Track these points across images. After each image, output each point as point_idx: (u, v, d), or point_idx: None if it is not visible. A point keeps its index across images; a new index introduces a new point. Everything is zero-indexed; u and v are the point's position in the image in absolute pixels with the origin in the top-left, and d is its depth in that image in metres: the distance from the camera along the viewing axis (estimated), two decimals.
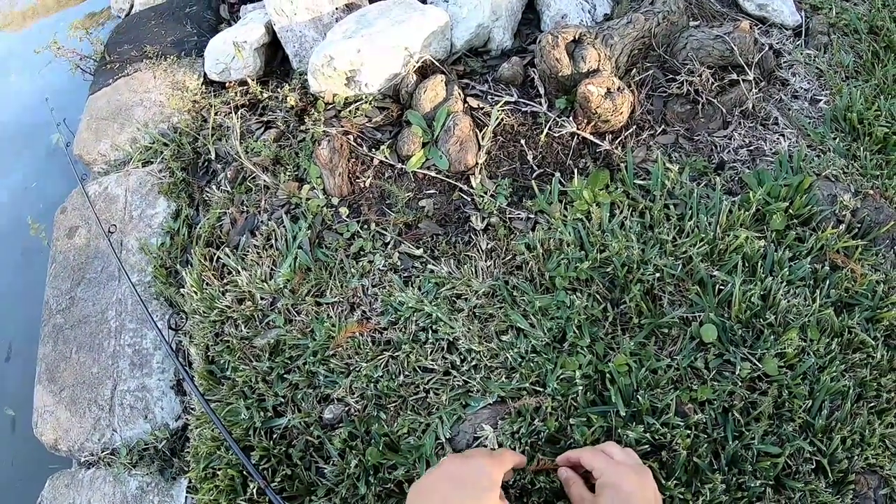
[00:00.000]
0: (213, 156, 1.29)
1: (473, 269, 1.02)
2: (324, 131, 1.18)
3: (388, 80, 1.25)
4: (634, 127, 1.16)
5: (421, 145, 1.18)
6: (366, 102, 1.24)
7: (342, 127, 1.21)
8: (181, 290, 1.19)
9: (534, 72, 1.24)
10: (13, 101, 2.26)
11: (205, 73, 1.49)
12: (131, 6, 2.07)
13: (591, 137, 1.14)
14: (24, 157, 2.06)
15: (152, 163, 1.37)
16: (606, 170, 1.10)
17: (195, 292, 1.14)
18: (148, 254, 1.28)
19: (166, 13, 1.87)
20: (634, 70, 1.23)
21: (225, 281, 1.13)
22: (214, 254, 1.17)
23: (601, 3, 1.39)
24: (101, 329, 1.26)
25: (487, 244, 1.05)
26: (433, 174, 1.16)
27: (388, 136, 1.23)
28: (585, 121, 1.14)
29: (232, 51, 1.39)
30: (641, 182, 1.08)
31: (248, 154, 1.21)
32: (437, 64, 1.27)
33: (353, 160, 1.19)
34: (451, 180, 1.15)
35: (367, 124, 1.23)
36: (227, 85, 1.42)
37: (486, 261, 1.03)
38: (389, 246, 1.09)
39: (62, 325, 1.30)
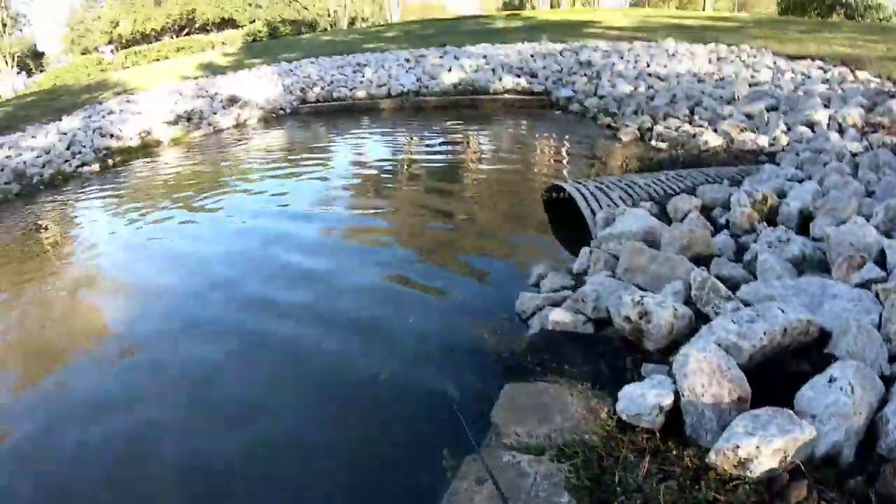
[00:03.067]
0: (616, 479, 1.71)
1: None
2: (714, 497, 1.53)
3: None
4: None
5: None
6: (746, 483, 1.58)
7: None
8: None
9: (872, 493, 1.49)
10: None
11: (615, 410, 1.98)
12: None
13: None
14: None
15: (563, 462, 1.83)
16: None
17: None
18: None
19: (580, 342, 2.48)
20: None
21: None
22: None
23: None
24: None
25: None
26: None
27: None
28: None
29: (643, 402, 1.86)
30: None
31: (650, 491, 1.60)
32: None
33: None
34: None
35: None
36: (636, 428, 1.87)
37: None
38: None
39: None
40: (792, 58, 10.94)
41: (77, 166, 9.89)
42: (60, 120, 13.72)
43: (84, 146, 10.89)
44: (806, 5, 25.84)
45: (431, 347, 3.01)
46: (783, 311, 2.04)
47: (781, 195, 3.67)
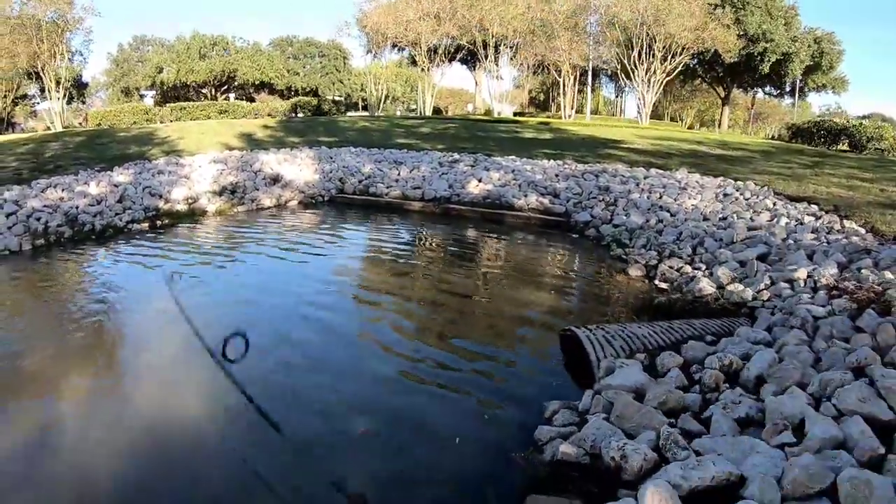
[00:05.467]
0: None
1: None
2: None
3: None
4: None
5: None
6: None
7: None
8: None
9: None
10: None
11: None
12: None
13: None
14: None
15: None
16: None
17: None
18: None
19: (580, 469, 3.51)
20: None
21: None
22: None
23: None
24: None
25: None
26: None
27: None
28: None
29: None
30: None
31: None
32: None
33: None
34: None
35: None
36: None
37: None
38: None
39: None
40: (791, 199, 12.20)
41: (128, 222, 11.02)
42: (112, 170, 14.99)
43: (134, 202, 12.04)
44: (813, 133, 27.56)
45: (466, 464, 4.04)
46: (714, 465, 3.10)
47: (746, 358, 4.71)
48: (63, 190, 12.37)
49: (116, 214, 11.25)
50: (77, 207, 11.24)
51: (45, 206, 11.07)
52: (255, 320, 6.48)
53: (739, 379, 4.47)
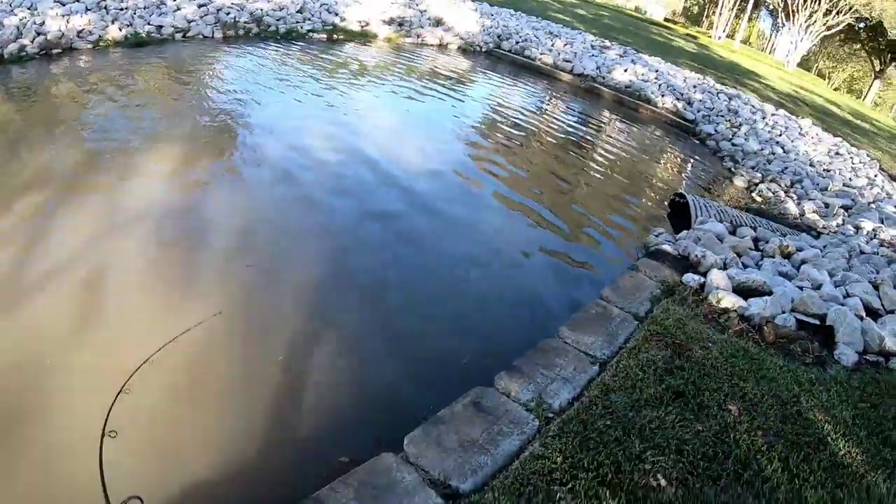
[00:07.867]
0: (675, 293, 4.87)
1: None
2: (705, 311, 4.67)
3: None
4: None
5: None
6: (715, 308, 4.71)
7: None
8: None
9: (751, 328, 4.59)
10: None
11: (681, 279, 5.12)
12: None
13: None
14: None
15: (661, 286, 5.01)
16: None
17: None
18: None
19: (673, 258, 5.63)
20: None
21: None
22: None
23: None
24: None
25: None
26: None
27: None
28: None
29: (692, 278, 5.00)
30: None
31: (684, 297, 4.77)
32: None
33: None
34: None
35: None
36: (686, 287, 5.02)
37: None
38: None
39: None
40: (893, 178, 13.35)
41: (308, 30, 12.73)
42: None
43: (312, 15, 13.58)
44: None
45: (606, 249, 6.24)
46: (755, 276, 5.18)
47: (800, 249, 6.62)
48: None
49: (297, 22, 12.67)
50: (262, 10, 12.32)
51: (232, 3, 11.97)
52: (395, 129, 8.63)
53: (791, 259, 6.41)
